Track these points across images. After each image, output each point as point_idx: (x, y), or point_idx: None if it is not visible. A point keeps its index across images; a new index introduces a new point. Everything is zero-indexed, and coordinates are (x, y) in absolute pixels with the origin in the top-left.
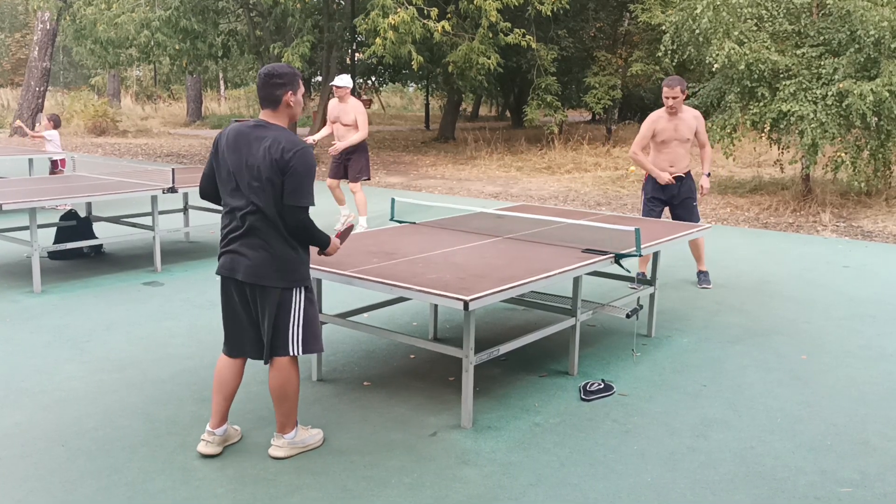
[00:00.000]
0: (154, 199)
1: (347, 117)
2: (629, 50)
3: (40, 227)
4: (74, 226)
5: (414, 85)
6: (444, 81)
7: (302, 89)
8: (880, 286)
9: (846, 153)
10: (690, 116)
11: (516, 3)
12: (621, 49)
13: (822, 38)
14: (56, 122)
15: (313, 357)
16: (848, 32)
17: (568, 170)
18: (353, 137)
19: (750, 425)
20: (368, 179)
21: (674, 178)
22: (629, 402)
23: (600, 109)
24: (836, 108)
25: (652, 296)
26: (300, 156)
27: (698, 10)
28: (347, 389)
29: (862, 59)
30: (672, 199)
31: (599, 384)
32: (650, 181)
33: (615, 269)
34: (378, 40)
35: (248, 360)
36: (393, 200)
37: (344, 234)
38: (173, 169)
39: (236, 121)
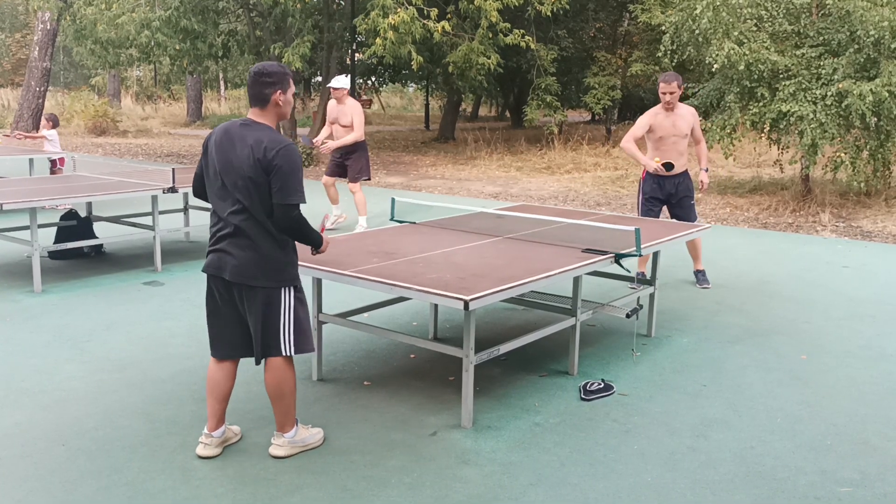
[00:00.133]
0: (154, 198)
1: (345, 118)
2: (629, 50)
3: (40, 226)
4: (74, 226)
5: (414, 85)
6: (444, 81)
7: (292, 89)
8: (880, 286)
9: (846, 153)
10: (687, 112)
11: (516, 4)
12: (621, 49)
13: (821, 38)
14: (54, 122)
15: (313, 357)
16: (847, 33)
17: (568, 170)
18: (348, 137)
19: (750, 425)
20: (368, 179)
21: (670, 173)
22: (629, 402)
23: (600, 110)
24: (835, 109)
25: (652, 296)
26: (283, 154)
27: (698, 11)
28: (347, 389)
29: (861, 60)
30: (670, 198)
31: (599, 384)
32: (647, 181)
33: (615, 269)
34: (378, 40)
35: (248, 361)
36: (393, 200)
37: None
38: (173, 169)
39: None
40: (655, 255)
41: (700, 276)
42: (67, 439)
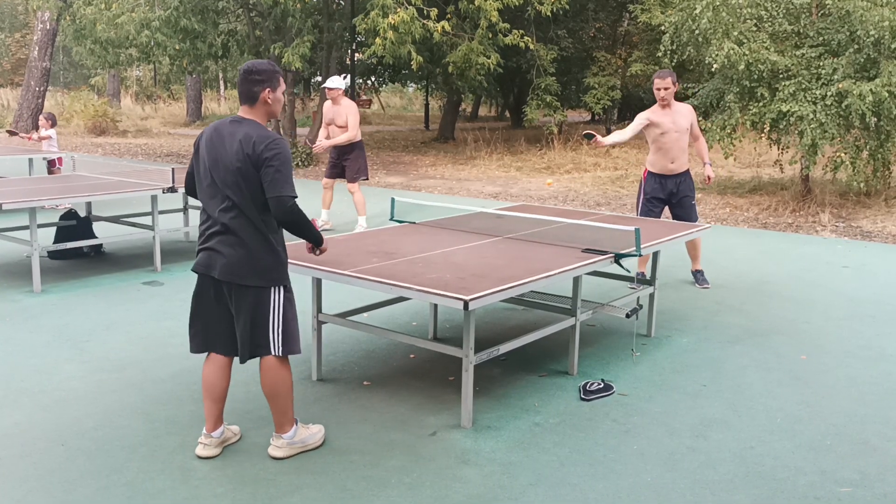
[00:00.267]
0: (154, 198)
1: (341, 119)
2: (629, 50)
3: (40, 226)
4: (74, 225)
5: (414, 85)
6: (444, 81)
7: (282, 87)
8: (879, 286)
9: (845, 153)
10: (684, 109)
11: (516, 4)
12: (621, 49)
13: (821, 38)
14: (53, 121)
15: (313, 357)
16: (847, 33)
17: (567, 170)
18: (341, 137)
19: (750, 425)
20: (367, 179)
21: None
22: (629, 402)
23: (600, 110)
24: (835, 109)
25: (651, 296)
26: (272, 147)
27: (698, 11)
28: (347, 389)
29: (861, 60)
30: (671, 197)
31: (599, 384)
32: (649, 180)
33: (615, 269)
34: (378, 40)
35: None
36: (393, 200)
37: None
38: (173, 168)
39: None
40: (655, 255)
41: (699, 276)
42: (67, 439)
